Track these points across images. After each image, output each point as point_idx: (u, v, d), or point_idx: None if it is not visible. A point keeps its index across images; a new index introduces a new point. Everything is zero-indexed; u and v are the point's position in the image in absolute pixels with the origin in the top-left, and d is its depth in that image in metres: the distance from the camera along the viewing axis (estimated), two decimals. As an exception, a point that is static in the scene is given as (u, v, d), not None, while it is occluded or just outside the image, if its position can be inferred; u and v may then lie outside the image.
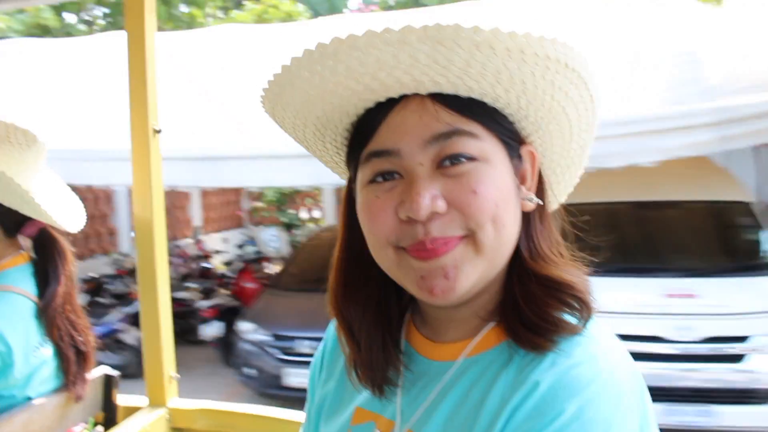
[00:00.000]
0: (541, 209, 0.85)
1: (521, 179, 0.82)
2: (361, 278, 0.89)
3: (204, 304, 7.96)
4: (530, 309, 0.78)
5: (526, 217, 0.83)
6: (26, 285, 1.83)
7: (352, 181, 0.87)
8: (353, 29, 0.69)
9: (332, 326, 1.04)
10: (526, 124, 0.82)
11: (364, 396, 0.91)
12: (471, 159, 0.75)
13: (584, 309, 0.78)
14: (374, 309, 0.90)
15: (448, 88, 0.73)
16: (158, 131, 1.95)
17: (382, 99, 0.77)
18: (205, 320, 7.56)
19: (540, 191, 0.86)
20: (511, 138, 0.81)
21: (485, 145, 0.76)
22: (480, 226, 0.75)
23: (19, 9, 10.85)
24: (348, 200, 0.89)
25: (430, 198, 0.73)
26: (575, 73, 0.75)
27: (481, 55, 0.69)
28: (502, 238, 0.77)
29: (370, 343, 0.88)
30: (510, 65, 0.70)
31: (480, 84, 0.73)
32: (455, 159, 0.75)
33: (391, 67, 0.70)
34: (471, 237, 0.76)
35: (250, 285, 8.49)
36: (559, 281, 0.79)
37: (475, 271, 0.77)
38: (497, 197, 0.75)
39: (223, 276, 9.39)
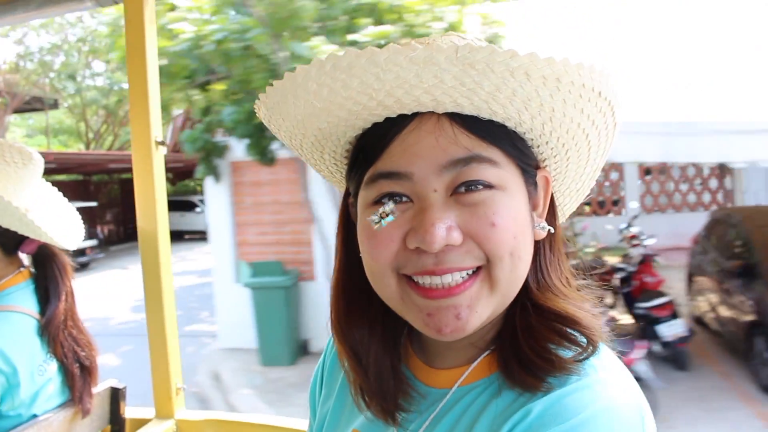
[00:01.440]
0: (551, 236, 0.81)
1: (533, 206, 0.78)
2: (364, 300, 0.84)
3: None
4: (527, 343, 0.74)
5: (536, 246, 0.78)
6: (28, 303, 1.83)
7: (349, 195, 0.83)
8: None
9: (331, 341, 1.01)
10: (545, 149, 0.77)
11: (361, 419, 0.89)
12: (488, 187, 0.70)
13: (588, 345, 0.74)
14: (380, 334, 0.86)
15: (469, 110, 0.68)
16: (160, 143, 1.94)
17: (394, 115, 0.70)
18: (658, 319, 6.72)
19: (551, 217, 0.82)
20: (529, 164, 0.76)
21: (504, 172, 0.71)
22: (498, 260, 0.70)
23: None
24: (345, 216, 0.85)
25: (445, 229, 0.68)
26: (606, 101, 0.71)
27: (514, 82, 0.64)
28: (518, 272, 0.73)
29: (379, 371, 0.84)
30: (542, 92, 0.66)
31: (506, 109, 0.68)
32: (472, 186, 0.69)
33: (412, 86, 0.65)
34: (487, 272, 0.71)
35: (650, 279, 7.51)
36: (564, 315, 0.75)
37: (488, 309, 0.73)
38: (516, 229, 0.71)
39: (615, 269, 7.89)
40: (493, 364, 0.79)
